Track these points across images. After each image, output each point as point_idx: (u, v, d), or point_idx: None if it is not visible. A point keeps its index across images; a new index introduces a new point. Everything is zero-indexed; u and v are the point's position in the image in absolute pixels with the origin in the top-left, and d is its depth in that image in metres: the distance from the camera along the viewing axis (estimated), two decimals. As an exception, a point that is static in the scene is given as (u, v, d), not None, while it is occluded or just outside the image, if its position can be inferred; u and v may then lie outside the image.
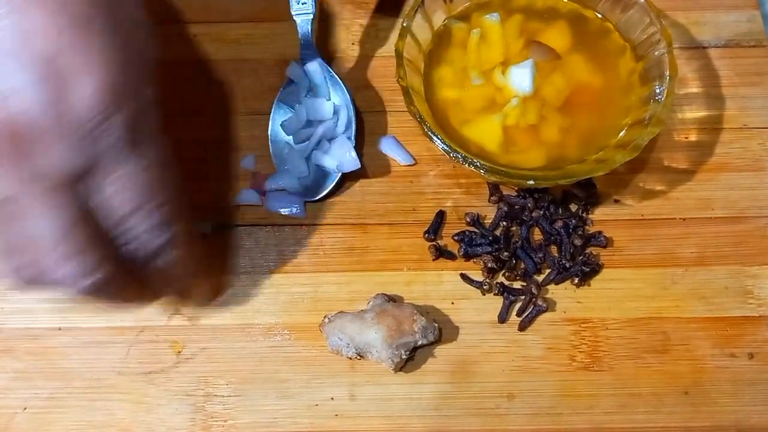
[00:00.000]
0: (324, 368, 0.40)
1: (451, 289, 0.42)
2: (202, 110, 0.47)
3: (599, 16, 0.46)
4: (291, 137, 0.45)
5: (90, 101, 0.29)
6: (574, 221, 0.43)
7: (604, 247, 0.43)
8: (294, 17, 0.46)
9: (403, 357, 0.39)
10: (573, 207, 0.44)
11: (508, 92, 0.43)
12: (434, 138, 0.40)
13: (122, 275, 0.33)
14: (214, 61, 0.48)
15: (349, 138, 0.44)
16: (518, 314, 0.41)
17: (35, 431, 0.39)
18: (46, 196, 0.30)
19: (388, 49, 0.48)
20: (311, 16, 0.46)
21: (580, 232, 0.42)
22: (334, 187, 0.44)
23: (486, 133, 0.42)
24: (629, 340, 0.40)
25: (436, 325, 0.40)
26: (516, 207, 0.43)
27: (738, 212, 0.44)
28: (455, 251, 0.43)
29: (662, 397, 0.39)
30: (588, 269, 0.41)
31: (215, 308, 0.41)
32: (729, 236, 0.43)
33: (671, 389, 0.39)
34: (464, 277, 0.42)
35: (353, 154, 0.43)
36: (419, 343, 0.39)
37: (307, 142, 0.44)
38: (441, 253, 0.42)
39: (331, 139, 0.44)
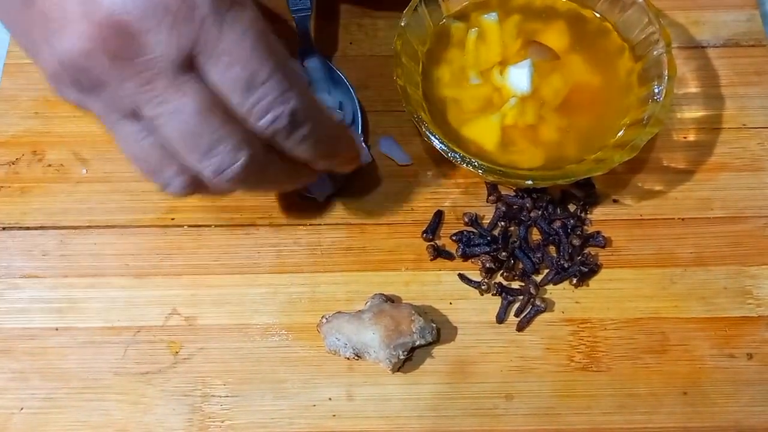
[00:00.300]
0: (322, 368, 0.40)
1: (449, 289, 0.42)
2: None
3: (598, 15, 0.46)
4: None
5: None
6: (572, 221, 0.43)
7: (603, 247, 0.43)
8: (292, 14, 0.46)
9: (401, 357, 0.39)
10: (571, 207, 0.44)
11: (506, 92, 0.43)
12: (432, 138, 0.40)
13: (267, 153, 0.32)
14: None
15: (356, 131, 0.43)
16: (516, 314, 0.41)
17: (32, 431, 0.39)
18: (171, 89, 0.30)
19: (387, 48, 0.48)
20: (309, 13, 0.45)
21: (578, 232, 0.42)
22: (338, 186, 0.44)
23: (484, 132, 0.42)
24: (628, 341, 0.40)
25: (434, 325, 0.40)
26: (514, 207, 0.43)
27: (737, 212, 0.43)
28: (453, 251, 0.43)
29: (661, 398, 0.39)
30: (586, 269, 0.41)
31: (212, 308, 0.41)
32: (728, 236, 0.43)
33: (670, 389, 0.39)
34: (462, 277, 0.42)
35: (363, 146, 0.42)
36: (417, 343, 0.39)
37: None
38: (439, 253, 0.42)
39: None
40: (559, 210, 0.43)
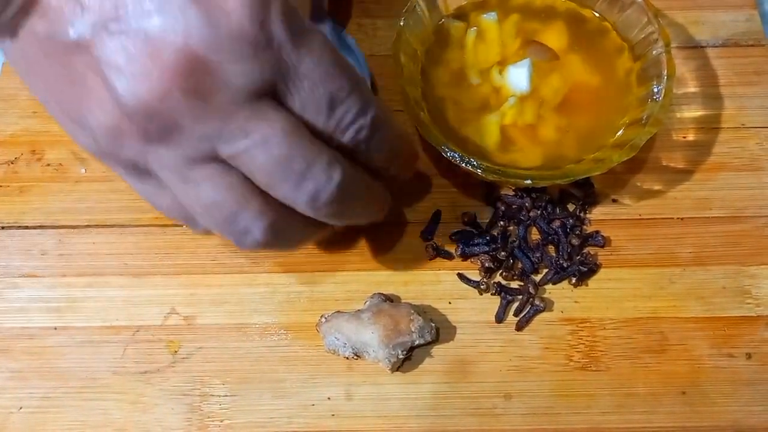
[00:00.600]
0: (320, 368, 0.40)
1: (448, 288, 0.42)
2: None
3: (597, 15, 0.46)
4: None
5: (241, 4, 0.27)
6: (571, 221, 0.43)
7: (602, 246, 0.43)
8: None
9: (400, 357, 0.39)
10: (570, 206, 0.44)
11: (505, 91, 0.43)
12: (431, 137, 0.40)
13: (356, 171, 0.32)
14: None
15: None
16: (515, 314, 0.41)
17: (30, 431, 0.39)
18: (255, 119, 0.28)
19: (386, 48, 0.48)
20: None
21: (577, 232, 0.42)
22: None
23: (483, 132, 0.42)
24: (627, 340, 0.40)
25: (433, 324, 0.40)
26: (513, 206, 0.43)
27: (736, 212, 0.43)
28: (452, 251, 0.43)
29: (659, 397, 0.39)
30: (585, 269, 0.41)
31: (211, 307, 0.41)
32: (727, 236, 0.43)
33: (669, 389, 0.39)
34: (461, 276, 0.42)
35: (366, 65, 0.39)
36: (416, 342, 0.39)
37: None
38: (438, 252, 0.42)
39: None
40: (558, 209, 0.43)
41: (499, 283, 0.41)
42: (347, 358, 0.39)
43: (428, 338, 0.39)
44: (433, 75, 0.44)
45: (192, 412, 0.39)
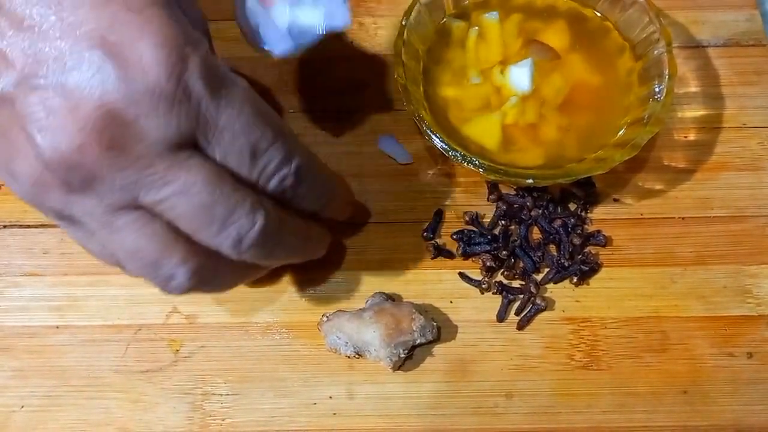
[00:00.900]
0: (322, 367, 0.40)
1: (449, 288, 0.42)
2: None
3: (598, 15, 0.46)
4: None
5: (156, 60, 0.28)
6: (573, 220, 0.43)
7: (603, 246, 0.43)
8: None
9: (402, 356, 0.39)
10: (572, 206, 0.44)
11: (507, 91, 0.43)
12: (433, 137, 0.40)
13: (277, 212, 0.32)
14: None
15: None
16: (517, 313, 0.41)
17: (32, 429, 0.39)
18: (174, 168, 0.29)
19: (388, 47, 0.48)
20: None
21: (579, 231, 0.42)
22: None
23: (485, 131, 0.42)
24: (628, 339, 0.40)
25: (435, 323, 0.40)
26: (515, 206, 0.43)
27: (737, 211, 0.44)
28: (454, 250, 0.43)
29: (661, 397, 0.39)
30: (587, 268, 0.41)
31: (213, 306, 0.41)
32: (728, 235, 0.43)
33: (670, 388, 0.39)
34: (463, 276, 0.42)
35: (346, 4, 0.36)
36: (418, 341, 0.39)
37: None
38: (440, 252, 0.42)
39: None
40: (559, 209, 0.43)
41: (500, 283, 0.41)
42: (349, 357, 0.39)
43: (429, 337, 0.39)
44: (434, 74, 0.44)
45: (194, 411, 0.39)
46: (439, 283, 0.42)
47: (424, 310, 0.40)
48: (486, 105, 0.43)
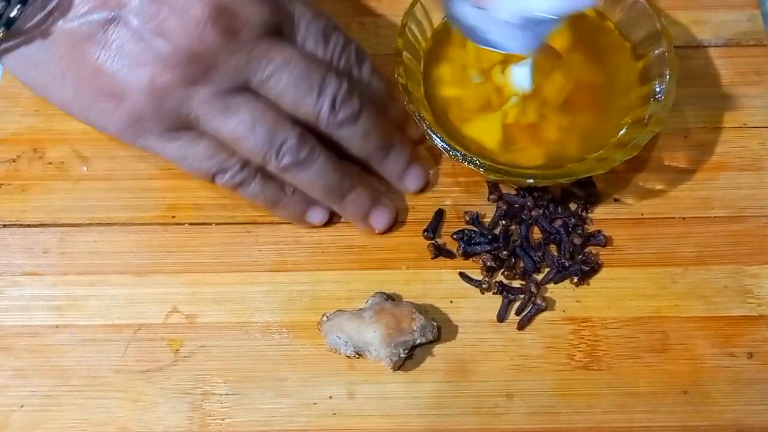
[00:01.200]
0: (322, 367, 0.40)
1: (450, 287, 0.42)
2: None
3: (599, 14, 0.46)
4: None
5: None
6: (573, 220, 0.43)
7: (604, 246, 0.43)
8: None
9: (402, 356, 0.39)
10: (572, 206, 0.44)
11: (507, 90, 0.43)
12: (433, 136, 0.40)
13: (321, 148, 0.39)
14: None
15: None
16: (517, 313, 0.41)
17: (32, 429, 0.39)
18: (274, 49, 0.37)
19: (388, 47, 0.48)
20: None
21: (579, 231, 0.42)
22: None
23: (485, 131, 0.42)
24: (628, 340, 0.40)
25: (435, 323, 0.40)
26: (515, 206, 0.43)
27: (738, 211, 0.43)
28: (454, 250, 0.42)
29: (661, 397, 0.39)
30: (587, 268, 0.41)
31: (213, 306, 0.41)
32: (729, 235, 0.43)
33: (670, 388, 0.39)
34: (463, 275, 0.42)
35: None
36: (418, 341, 0.39)
37: None
38: (440, 251, 0.42)
39: None
40: (560, 209, 0.43)
41: (500, 282, 0.41)
42: (349, 357, 0.39)
43: (430, 337, 0.39)
44: (435, 74, 0.44)
45: (193, 411, 0.39)
46: (440, 283, 0.42)
47: (425, 309, 0.40)
48: (487, 104, 0.43)
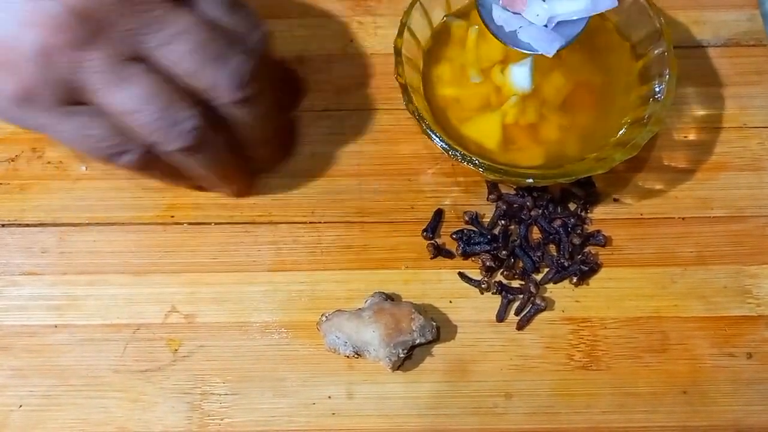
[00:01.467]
0: (321, 367, 0.40)
1: (449, 287, 0.42)
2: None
3: (599, 14, 0.45)
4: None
5: None
6: (572, 220, 0.43)
7: (603, 246, 0.43)
8: None
9: (401, 356, 0.39)
10: (572, 206, 0.44)
11: (507, 90, 0.43)
12: (433, 136, 0.40)
13: (213, 132, 0.36)
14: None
15: None
16: (516, 313, 0.41)
17: (31, 429, 0.39)
18: (170, 15, 0.33)
19: (387, 46, 0.48)
20: None
21: (578, 231, 0.42)
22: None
23: (485, 131, 0.42)
24: (628, 340, 0.40)
25: (434, 323, 0.40)
26: (515, 206, 0.43)
27: (737, 211, 0.43)
28: (453, 250, 0.42)
29: (660, 397, 0.39)
30: (587, 268, 0.41)
31: (212, 306, 0.41)
32: (728, 235, 0.43)
33: (669, 389, 0.39)
34: (462, 275, 0.42)
35: None
36: (417, 341, 0.39)
37: None
38: (439, 251, 0.42)
39: None
40: (559, 209, 0.43)
41: (500, 282, 0.41)
42: (348, 356, 0.39)
43: (429, 337, 0.39)
44: (434, 73, 0.44)
45: (192, 411, 0.39)
46: (439, 283, 0.42)
47: (424, 309, 0.40)
48: (486, 104, 0.43)
